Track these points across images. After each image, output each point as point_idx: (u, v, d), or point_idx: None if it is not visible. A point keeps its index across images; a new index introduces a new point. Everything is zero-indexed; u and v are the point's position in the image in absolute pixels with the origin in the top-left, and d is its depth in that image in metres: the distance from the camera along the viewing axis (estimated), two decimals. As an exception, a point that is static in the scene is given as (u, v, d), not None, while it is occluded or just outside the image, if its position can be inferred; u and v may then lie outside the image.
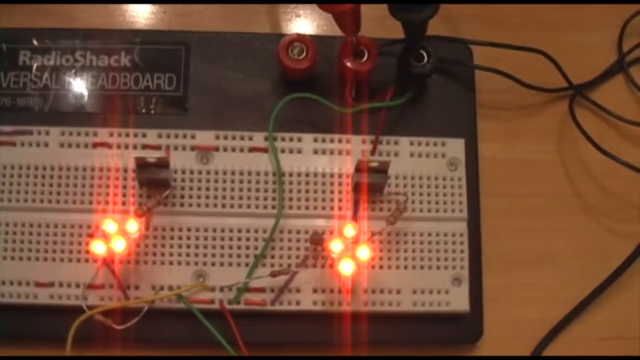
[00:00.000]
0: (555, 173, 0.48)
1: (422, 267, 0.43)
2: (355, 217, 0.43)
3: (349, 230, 0.41)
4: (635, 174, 0.46)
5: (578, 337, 0.45)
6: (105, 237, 0.41)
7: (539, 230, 0.47)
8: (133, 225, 0.41)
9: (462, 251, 0.44)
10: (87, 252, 0.42)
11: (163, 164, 0.42)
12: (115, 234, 0.41)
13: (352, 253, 0.41)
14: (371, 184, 0.43)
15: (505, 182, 0.47)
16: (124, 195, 0.43)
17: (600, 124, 0.48)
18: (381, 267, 0.43)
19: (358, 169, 0.42)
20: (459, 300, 0.43)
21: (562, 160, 0.48)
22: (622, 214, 0.47)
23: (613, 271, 0.46)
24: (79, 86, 0.45)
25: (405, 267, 0.43)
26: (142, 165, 0.42)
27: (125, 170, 0.43)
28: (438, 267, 0.43)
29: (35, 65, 0.45)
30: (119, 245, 0.41)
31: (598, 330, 0.46)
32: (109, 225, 0.41)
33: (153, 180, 0.42)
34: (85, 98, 0.45)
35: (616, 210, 0.47)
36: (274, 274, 0.42)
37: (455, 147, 0.45)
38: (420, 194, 0.44)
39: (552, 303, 0.45)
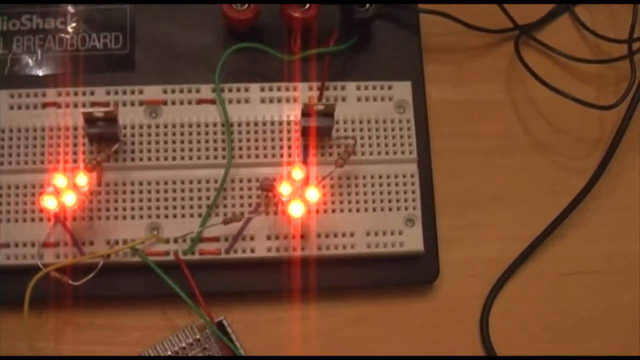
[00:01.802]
0: (505, 113, 0.48)
1: (374, 209, 0.43)
2: (305, 162, 0.43)
3: (297, 172, 0.41)
4: (583, 110, 0.46)
5: (536, 274, 0.45)
6: (57, 192, 0.41)
7: (491, 169, 0.47)
8: (83, 179, 0.41)
9: (413, 192, 0.44)
10: (41, 211, 0.42)
11: (111, 117, 0.42)
12: (66, 189, 0.41)
13: (301, 195, 0.41)
14: (318, 128, 0.43)
15: (455, 124, 0.47)
16: (75, 153, 0.43)
17: (547, 63, 0.48)
18: (333, 210, 0.43)
19: (305, 114, 0.42)
20: (413, 241, 0.43)
21: (511, 100, 0.48)
22: (572, 150, 0.47)
23: (566, 206, 0.46)
24: (26, 50, 0.45)
25: (358, 210, 0.43)
26: (90, 120, 0.42)
27: (75, 129, 0.43)
28: (390, 209, 0.44)
29: (-18, 32, 0.46)
30: (70, 199, 0.41)
31: (555, 266, 0.46)
32: (59, 179, 0.41)
33: (102, 135, 0.43)
34: (34, 61, 0.45)
35: (567, 146, 0.48)
36: (225, 222, 0.42)
37: (402, 89, 0.45)
38: (369, 137, 0.44)
39: (508, 241, 0.46)
